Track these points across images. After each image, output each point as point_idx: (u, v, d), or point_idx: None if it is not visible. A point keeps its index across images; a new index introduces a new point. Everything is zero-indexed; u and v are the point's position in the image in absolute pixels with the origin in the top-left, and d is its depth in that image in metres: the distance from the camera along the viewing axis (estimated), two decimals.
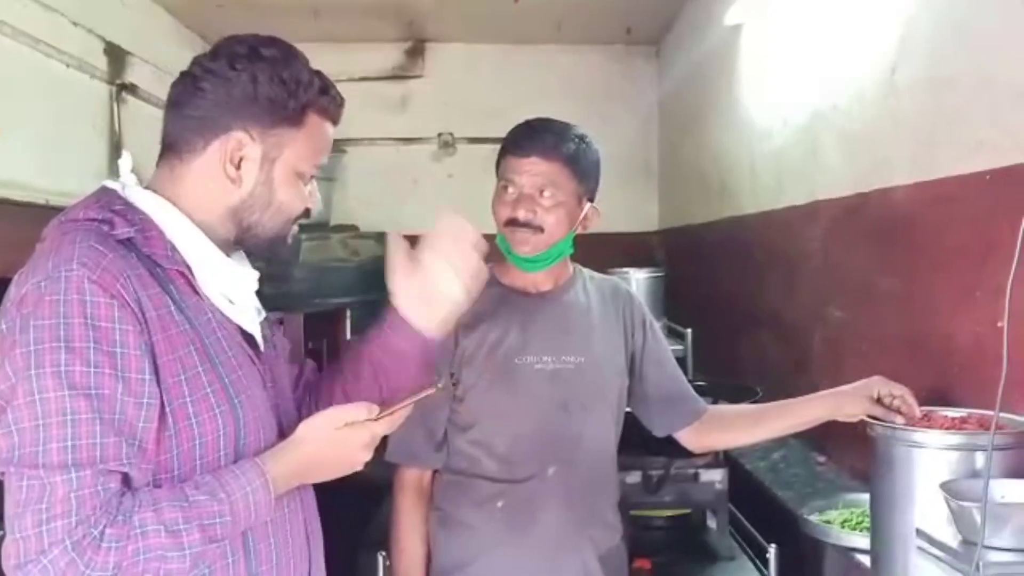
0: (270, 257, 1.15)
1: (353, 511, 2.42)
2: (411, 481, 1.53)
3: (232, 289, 1.07)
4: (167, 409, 0.95)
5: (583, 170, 1.49)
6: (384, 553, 1.93)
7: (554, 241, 1.48)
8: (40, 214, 2.75)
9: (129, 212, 1.00)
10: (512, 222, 1.46)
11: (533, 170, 1.45)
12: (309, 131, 1.07)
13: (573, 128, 1.51)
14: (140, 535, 0.89)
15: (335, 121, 1.12)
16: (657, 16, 4.14)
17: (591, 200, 1.53)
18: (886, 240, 1.99)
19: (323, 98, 1.08)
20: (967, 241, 1.62)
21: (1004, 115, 1.49)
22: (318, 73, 1.09)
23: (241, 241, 1.09)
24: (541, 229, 1.46)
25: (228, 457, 1.00)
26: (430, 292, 1.17)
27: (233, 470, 0.98)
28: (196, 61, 1.05)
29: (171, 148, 1.06)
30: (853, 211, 2.18)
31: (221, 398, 1.00)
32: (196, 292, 1.03)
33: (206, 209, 1.05)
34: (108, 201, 1.01)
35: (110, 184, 1.05)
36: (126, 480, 0.92)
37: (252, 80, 1.02)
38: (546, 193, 1.45)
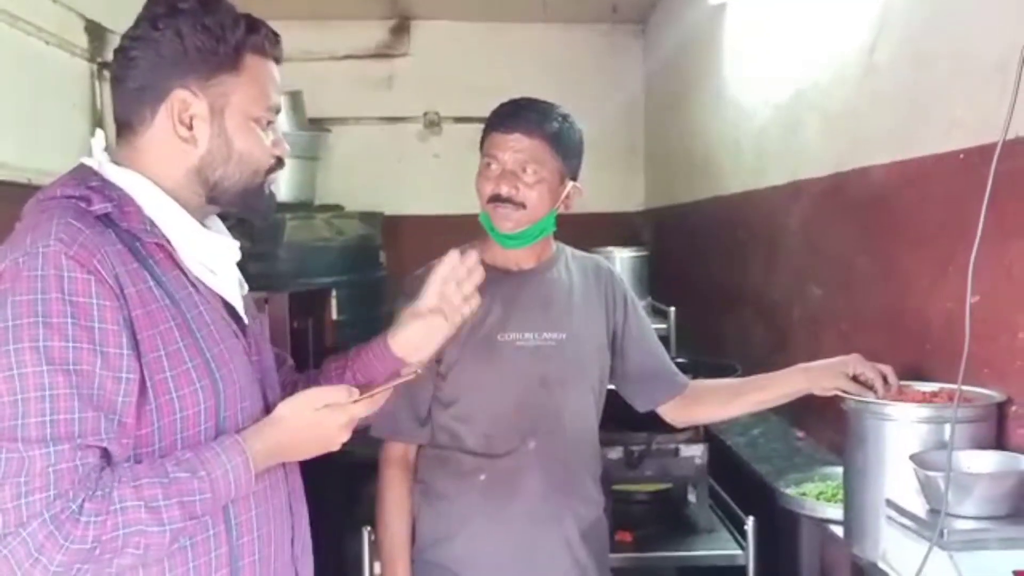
0: (249, 216, 1.16)
1: (340, 489, 2.46)
2: (396, 456, 1.55)
3: (212, 259, 1.08)
4: (148, 384, 0.96)
5: (566, 148, 1.50)
6: (369, 528, 1.96)
7: (536, 218, 1.49)
8: (22, 193, 2.72)
9: (106, 188, 1.00)
10: (495, 198, 1.48)
11: (516, 147, 1.47)
12: (250, 73, 1.06)
13: (556, 107, 1.53)
14: (119, 511, 0.90)
15: (276, 59, 1.11)
16: None
17: (574, 179, 1.55)
18: (865, 219, 2.02)
19: (253, 36, 1.06)
20: (941, 220, 1.65)
21: (977, 94, 1.51)
22: (246, 15, 1.07)
23: (214, 200, 1.08)
24: (523, 205, 1.47)
25: (209, 431, 1.01)
26: (427, 340, 1.25)
27: (214, 447, 0.99)
28: (124, 35, 1.05)
29: (124, 124, 1.06)
30: (833, 190, 2.20)
31: (202, 372, 1.01)
32: (177, 266, 1.03)
33: (171, 176, 1.05)
34: (84, 178, 1.01)
35: (87, 161, 1.05)
36: (106, 455, 0.93)
37: (177, 35, 1.02)
38: (528, 170, 1.47)
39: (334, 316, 3.30)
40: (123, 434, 0.94)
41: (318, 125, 4.23)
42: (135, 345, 0.95)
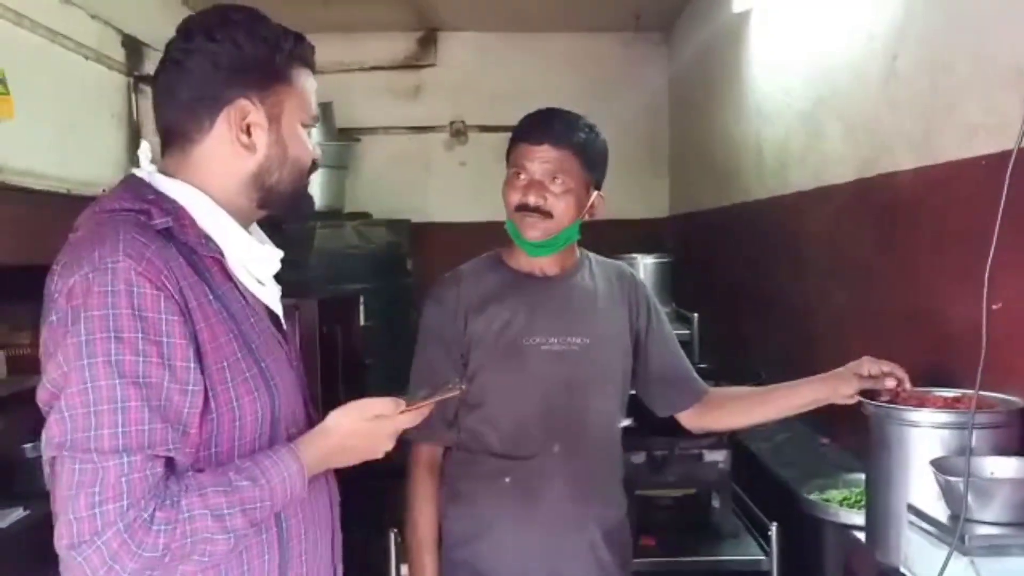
0: (293, 217, 1.18)
1: (365, 493, 2.50)
2: (424, 457, 1.58)
3: (260, 270, 1.11)
4: (210, 394, 0.99)
5: (592, 159, 1.53)
6: (396, 530, 2.00)
7: (562, 227, 1.52)
8: (62, 203, 2.82)
9: (162, 201, 1.03)
10: (523, 207, 1.50)
11: (545, 157, 1.49)
12: (298, 83, 1.10)
13: (582, 118, 1.56)
14: (188, 519, 0.93)
15: (314, 68, 1.15)
16: (666, 2, 4.15)
17: (598, 188, 1.57)
18: (888, 224, 2.02)
19: (302, 47, 1.11)
20: (964, 225, 1.65)
21: (998, 100, 1.52)
22: (281, 25, 1.11)
23: (265, 204, 1.12)
24: (550, 215, 1.50)
25: (263, 437, 1.05)
26: None
27: (271, 456, 1.02)
28: (172, 47, 1.06)
29: (177, 134, 1.07)
30: (856, 196, 2.20)
31: (259, 382, 1.04)
32: (230, 278, 1.07)
33: (227, 183, 1.07)
34: (140, 191, 1.04)
35: (137, 173, 1.08)
36: (169, 464, 0.96)
37: (235, 46, 1.04)
38: (556, 180, 1.50)
39: (362, 322, 3.36)
40: (186, 444, 0.97)
41: (347, 135, 4.31)
42: (199, 357, 0.98)
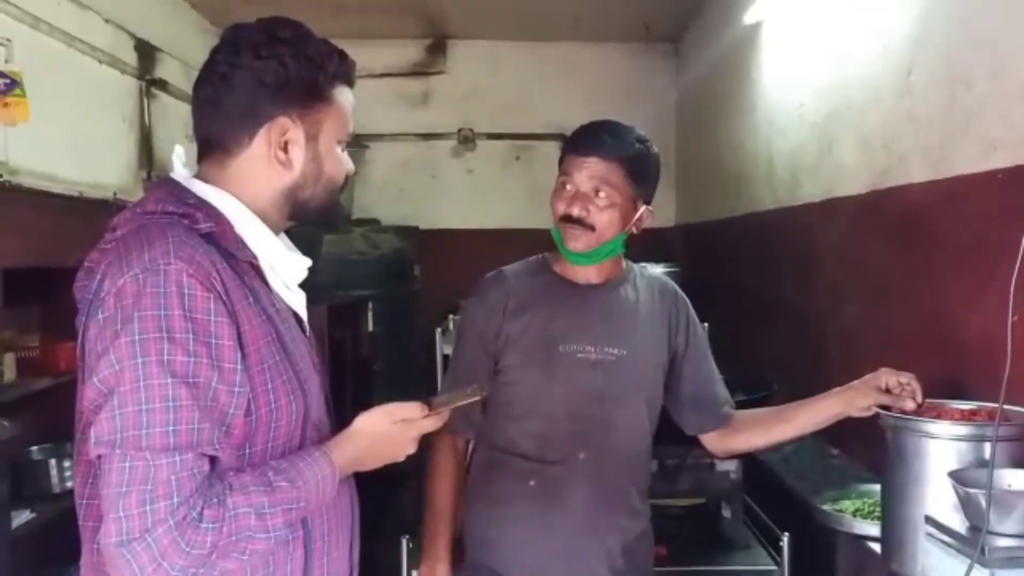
0: (325, 225, 1.19)
1: (371, 498, 2.50)
2: (446, 442, 1.59)
3: (289, 277, 1.12)
4: (251, 395, 1.00)
5: (640, 173, 1.52)
6: (408, 537, 2.00)
7: (604, 240, 1.51)
8: (73, 204, 2.83)
9: (203, 206, 1.04)
10: (566, 218, 1.50)
11: (591, 170, 1.49)
12: (339, 101, 1.11)
13: (634, 131, 1.55)
14: (233, 517, 0.94)
15: (353, 84, 1.15)
16: (676, 13, 4.17)
17: (647, 203, 1.56)
18: (901, 237, 2.03)
19: (344, 65, 1.12)
20: (980, 239, 1.66)
21: (1015, 114, 1.53)
22: (327, 40, 1.11)
23: (295, 216, 1.13)
24: (592, 228, 1.49)
25: (294, 438, 1.06)
26: None
27: (305, 458, 1.03)
28: (218, 59, 1.06)
29: (215, 145, 1.08)
30: (868, 208, 2.21)
31: (294, 385, 1.05)
32: (264, 283, 1.08)
33: (259, 196, 1.09)
34: (180, 195, 1.05)
35: (175, 176, 1.09)
36: (212, 463, 0.97)
37: (281, 65, 1.04)
38: (601, 193, 1.49)
39: (370, 328, 3.37)
40: (229, 444, 0.98)
41: (356, 141, 4.31)
42: (243, 359, 0.99)
